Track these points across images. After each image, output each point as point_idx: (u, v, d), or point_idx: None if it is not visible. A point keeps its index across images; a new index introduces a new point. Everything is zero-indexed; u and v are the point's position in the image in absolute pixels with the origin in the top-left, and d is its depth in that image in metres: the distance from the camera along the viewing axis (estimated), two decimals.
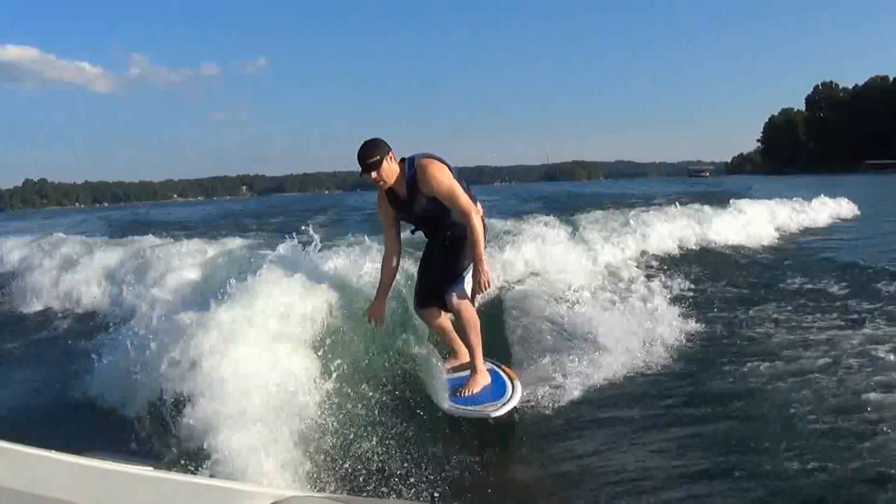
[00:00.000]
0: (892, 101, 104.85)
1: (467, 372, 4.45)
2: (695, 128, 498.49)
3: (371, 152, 4.14)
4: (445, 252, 4.40)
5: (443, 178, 4.20)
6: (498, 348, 5.11)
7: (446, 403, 4.13)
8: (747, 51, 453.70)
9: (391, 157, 4.21)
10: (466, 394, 4.26)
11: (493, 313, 5.88)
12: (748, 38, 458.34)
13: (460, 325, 4.47)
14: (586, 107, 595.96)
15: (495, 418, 4.01)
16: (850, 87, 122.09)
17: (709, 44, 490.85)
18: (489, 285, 4.31)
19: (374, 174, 4.14)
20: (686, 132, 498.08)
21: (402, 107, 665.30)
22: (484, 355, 4.50)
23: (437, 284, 4.41)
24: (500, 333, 5.57)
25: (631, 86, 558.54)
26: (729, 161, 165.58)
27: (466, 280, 4.32)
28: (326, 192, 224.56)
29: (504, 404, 4.08)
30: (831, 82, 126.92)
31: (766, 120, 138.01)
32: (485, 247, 4.33)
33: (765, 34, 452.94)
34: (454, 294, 4.31)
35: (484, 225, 4.37)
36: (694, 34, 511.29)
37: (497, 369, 4.61)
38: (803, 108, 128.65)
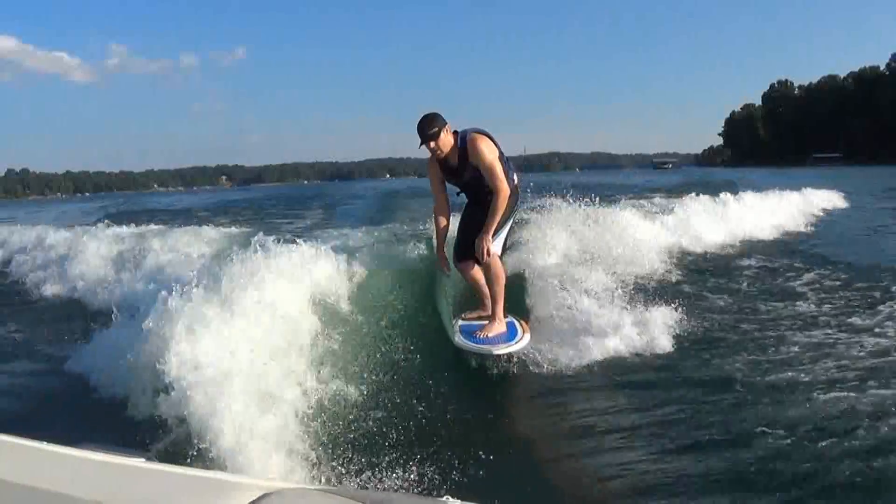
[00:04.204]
0: (840, 99, 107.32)
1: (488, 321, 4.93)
2: (669, 120, 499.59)
3: (431, 124, 4.65)
4: (483, 213, 4.79)
5: (487, 154, 4.69)
6: (520, 304, 5.44)
7: (458, 338, 4.67)
8: (721, 47, 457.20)
9: (447, 130, 4.70)
10: (481, 336, 4.73)
11: (524, 275, 6.09)
12: (722, 33, 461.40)
13: (489, 277, 4.90)
14: (563, 99, 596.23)
15: (497, 354, 4.55)
16: (806, 84, 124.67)
17: (685, 38, 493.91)
18: (486, 255, 4.71)
19: (432, 144, 4.63)
20: (660, 125, 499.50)
21: (382, 97, 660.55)
22: (505, 310, 4.98)
23: (473, 241, 4.80)
24: (524, 294, 5.76)
25: (607, 79, 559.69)
26: (700, 153, 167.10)
27: (499, 239, 4.85)
28: (305, 182, 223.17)
29: (508, 346, 4.59)
30: (787, 80, 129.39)
31: (726, 116, 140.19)
32: (510, 219, 4.94)
33: (736, 30, 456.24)
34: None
35: (517, 196, 5.01)
36: (670, 29, 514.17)
37: (514, 321, 5.06)
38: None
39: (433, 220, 5.17)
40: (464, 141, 4.73)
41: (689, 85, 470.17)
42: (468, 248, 4.89)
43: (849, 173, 41.21)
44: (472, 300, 5.39)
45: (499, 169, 4.69)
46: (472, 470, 3.26)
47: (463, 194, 5.16)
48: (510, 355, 4.66)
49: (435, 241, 5.18)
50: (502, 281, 4.89)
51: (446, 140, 4.69)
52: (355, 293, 4.92)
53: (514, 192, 4.94)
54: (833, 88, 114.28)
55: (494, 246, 4.78)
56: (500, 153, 4.83)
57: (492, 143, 4.79)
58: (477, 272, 5.01)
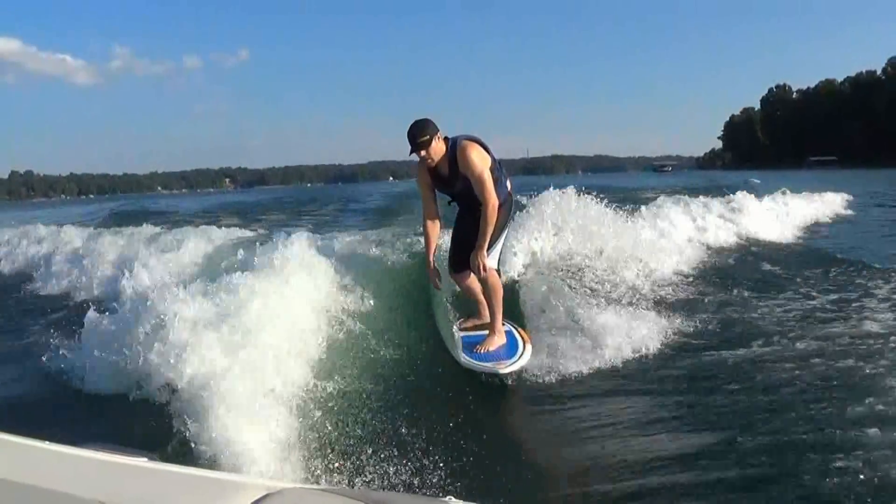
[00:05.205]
0: (837, 103, 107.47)
1: (486, 331, 4.74)
2: (671, 123, 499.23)
3: (422, 132, 4.40)
4: (476, 224, 4.54)
5: (477, 164, 4.43)
6: (517, 313, 5.33)
7: (463, 358, 4.44)
8: (721, 52, 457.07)
9: (438, 137, 4.46)
10: (482, 351, 4.53)
11: (521, 280, 6.07)
12: (723, 38, 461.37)
13: (485, 290, 4.74)
14: (565, 101, 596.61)
15: (503, 374, 4.31)
16: (803, 88, 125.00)
17: (686, 43, 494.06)
18: (483, 270, 4.55)
19: (423, 152, 4.41)
20: (662, 128, 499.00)
21: (385, 99, 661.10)
22: (504, 317, 4.82)
23: (468, 252, 4.59)
24: (522, 300, 5.70)
25: (609, 82, 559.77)
26: (700, 156, 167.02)
27: (494, 251, 4.65)
28: (308, 185, 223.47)
29: (513, 363, 4.37)
30: (785, 85, 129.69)
31: (727, 119, 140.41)
32: (504, 230, 4.75)
33: (736, 35, 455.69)
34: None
35: (511, 204, 4.79)
36: (671, 34, 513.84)
37: (513, 330, 4.89)
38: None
39: (423, 231, 4.88)
40: (454, 149, 4.48)
41: (690, 89, 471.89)
42: (462, 259, 4.69)
43: (846, 176, 41.22)
44: (467, 304, 5.27)
45: (488, 180, 4.44)
46: (474, 470, 3.25)
47: (455, 202, 4.91)
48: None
49: (426, 253, 4.86)
50: (500, 294, 4.73)
51: (437, 148, 4.44)
52: (356, 295, 4.89)
53: (508, 200, 4.74)
54: (830, 93, 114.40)
55: (490, 259, 4.59)
56: (493, 160, 4.60)
57: (483, 151, 4.54)
58: (472, 281, 4.83)
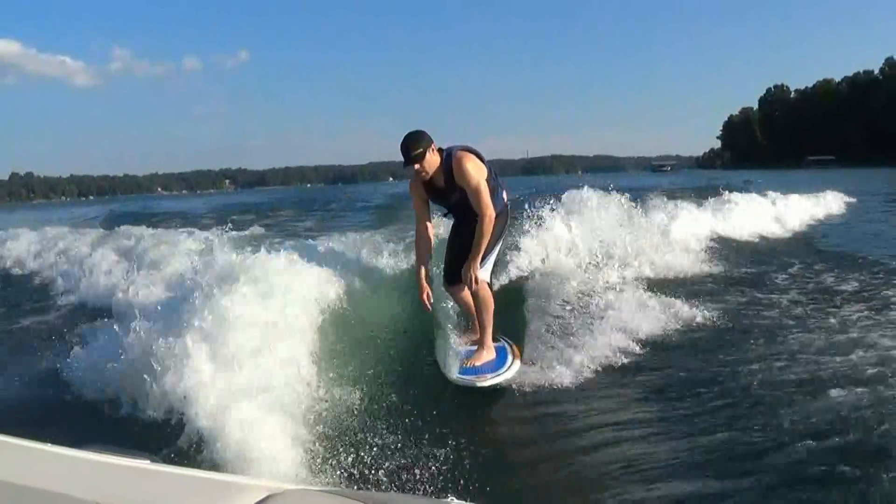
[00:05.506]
0: (835, 103, 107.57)
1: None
2: (671, 124, 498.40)
3: (416, 145, 4.27)
4: (471, 236, 4.45)
5: (474, 175, 4.32)
6: (515, 323, 5.24)
7: (454, 374, 4.32)
8: (720, 52, 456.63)
9: (433, 149, 4.33)
10: (468, 365, 4.44)
11: (523, 280, 6.04)
12: (723, 38, 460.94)
13: (477, 304, 4.65)
14: (565, 102, 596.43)
15: (482, 388, 4.23)
16: (802, 88, 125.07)
17: (684, 43, 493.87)
18: (474, 283, 4.45)
19: (417, 166, 4.27)
20: (662, 128, 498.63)
21: (384, 100, 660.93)
22: (501, 331, 4.75)
23: (462, 265, 4.50)
24: (523, 299, 5.64)
25: (609, 82, 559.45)
26: (700, 156, 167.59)
27: (487, 264, 4.53)
28: (308, 185, 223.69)
29: (493, 377, 4.29)
30: (783, 85, 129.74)
31: (726, 119, 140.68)
32: (499, 242, 4.63)
33: (736, 36, 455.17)
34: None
35: (507, 216, 4.71)
36: (672, 35, 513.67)
37: (506, 346, 4.78)
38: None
39: (416, 246, 4.73)
40: (449, 160, 4.36)
41: (689, 89, 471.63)
42: (458, 271, 4.55)
43: (844, 175, 41.35)
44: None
45: (485, 191, 4.33)
46: (474, 470, 3.24)
47: (450, 214, 4.81)
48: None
49: (417, 270, 4.66)
50: (491, 308, 4.59)
51: (432, 160, 4.31)
52: (358, 298, 4.87)
53: (504, 212, 4.63)
54: (828, 92, 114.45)
55: (482, 272, 4.47)
56: (489, 170, 4.50)
57: (479, 161, 4.43)
58: (467, 295, 4.69)
